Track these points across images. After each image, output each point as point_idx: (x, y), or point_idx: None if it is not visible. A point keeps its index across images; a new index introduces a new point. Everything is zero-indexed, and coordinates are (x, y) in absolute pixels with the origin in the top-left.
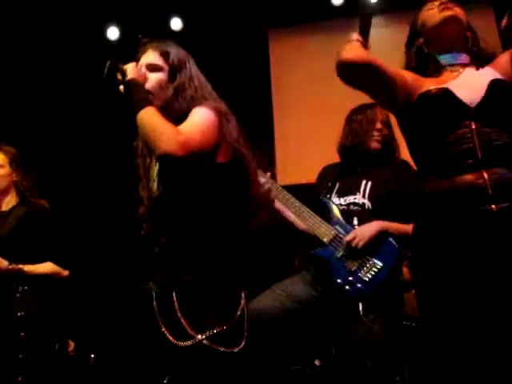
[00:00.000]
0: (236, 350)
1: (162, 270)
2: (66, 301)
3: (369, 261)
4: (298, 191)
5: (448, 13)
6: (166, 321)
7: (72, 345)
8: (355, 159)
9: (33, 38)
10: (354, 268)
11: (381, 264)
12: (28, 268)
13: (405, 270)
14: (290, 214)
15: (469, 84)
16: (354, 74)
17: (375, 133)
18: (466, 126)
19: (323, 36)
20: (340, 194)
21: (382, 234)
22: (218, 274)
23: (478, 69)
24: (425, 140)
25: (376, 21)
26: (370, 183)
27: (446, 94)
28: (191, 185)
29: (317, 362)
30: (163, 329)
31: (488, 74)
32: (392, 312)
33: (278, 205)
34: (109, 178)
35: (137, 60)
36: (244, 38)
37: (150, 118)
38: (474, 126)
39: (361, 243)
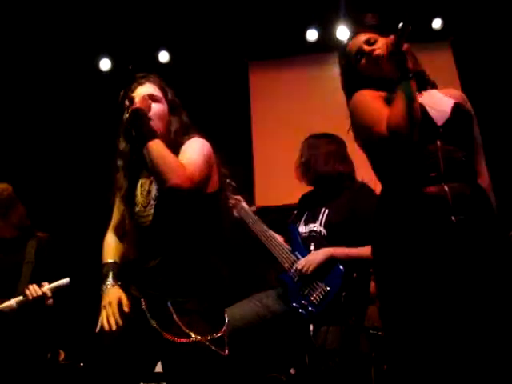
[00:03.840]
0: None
1: (153, 288)
2: (56, 311)
3: (319, 285)
4: (275, 213)
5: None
6: (164, 325)
7: (62, 354)
8: (320, 188)
9: (28, 69)
10: (307, 292)
11: (328, 288)
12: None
13: (372, 283)
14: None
15: (434, 105)
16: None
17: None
18: (433, 142)
19: (299, 69)
20: (305, 222)
21: (331, 260)
22: (209, 293)
23: (423, 90)
24: (395, 155)
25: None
26: (327, 211)
27: (421, 110)
28: (183, 214)
29: (292, 371)
30: (160, 330)
31: (444, 96)
32: (348, 324)
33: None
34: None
35: (131, 90)
36: (227, 68)
37: (160, 150)
38: (439, 143)
39: (310, 269)
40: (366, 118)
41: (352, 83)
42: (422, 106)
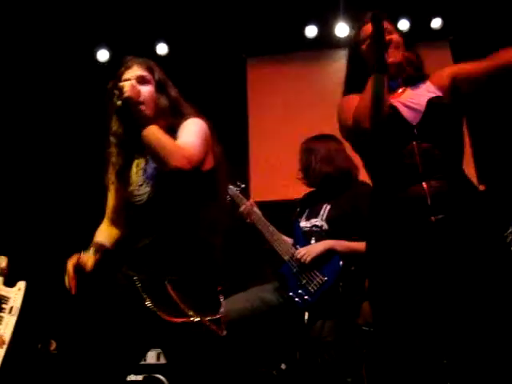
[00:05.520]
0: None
1: (147, 267)
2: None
3: (317, 275)
4: (270, 207)
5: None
6: (160, 304)
7: (54, 344)
8: (322, 188)
9: (26, 60)
10: (304, 282)
11: (325, 278)
12: None
13: (367, 280)
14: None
15: (412, 102)
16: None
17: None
18: (409, 142)
19: (297, 65)
20: (307, 218)
21: (330, 252)
22: (205, 272)
23: (413, 86)
24: (376, 156)
25: (346, 53)
26: (328, 207)
27: (394, 112)
28: (180, 191)
29: (283, 366)
30: (156, 310)
31: (426, 91)
32: (343, 317)
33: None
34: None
35: (120, 74)
36: (224, 63)
37: (156, 135)
38: (415, 143)
39: (308, 258)
40: (343, 114)
41: (355, 70)
42: (395, 108)
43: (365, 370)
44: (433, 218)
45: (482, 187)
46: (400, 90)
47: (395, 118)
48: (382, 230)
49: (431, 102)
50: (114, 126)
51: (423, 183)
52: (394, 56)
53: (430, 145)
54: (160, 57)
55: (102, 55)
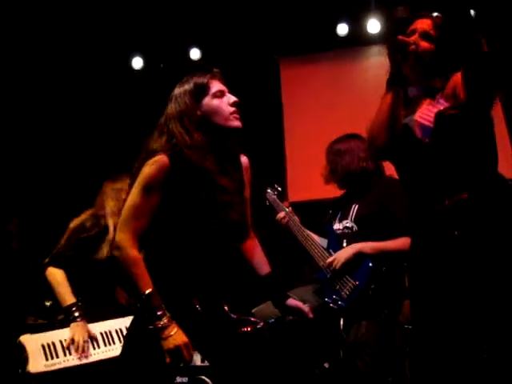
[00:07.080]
0: None
1: (211, 288)
2: None
3: (349, 280)
4: (308, 207)
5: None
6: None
7: None
8: (350, 187)
9: (61, 68)
10: (338, 287)
11: (357, 282)
12: None
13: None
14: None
15: (424, 118)
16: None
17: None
18: (425, 161)
19: (330, 64)
20: (340, 220)
21: (360, 255)
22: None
23: (432, 97)
24: (399, 172)
25: (378, 49)
26: (356, 206)
27: (406, 131)
28: None
29: (326, 365)
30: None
31: (439, 103)
32: (380, 317)
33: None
34: None
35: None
36: (257, 65)
37: None
38: (431, 161)
39: (338, 265)
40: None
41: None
42: (407, 128)
43: (408, 368)
44: (456, 232)
45: None
46: (422, 101)
47: (409, 137)
48: (418, 243)
49: (438, 116)
50: (197, 136)
51: (446, 201)
52: (411, 68)
53: (445, 158)
54: (193, 62)
55: (137, 63)
